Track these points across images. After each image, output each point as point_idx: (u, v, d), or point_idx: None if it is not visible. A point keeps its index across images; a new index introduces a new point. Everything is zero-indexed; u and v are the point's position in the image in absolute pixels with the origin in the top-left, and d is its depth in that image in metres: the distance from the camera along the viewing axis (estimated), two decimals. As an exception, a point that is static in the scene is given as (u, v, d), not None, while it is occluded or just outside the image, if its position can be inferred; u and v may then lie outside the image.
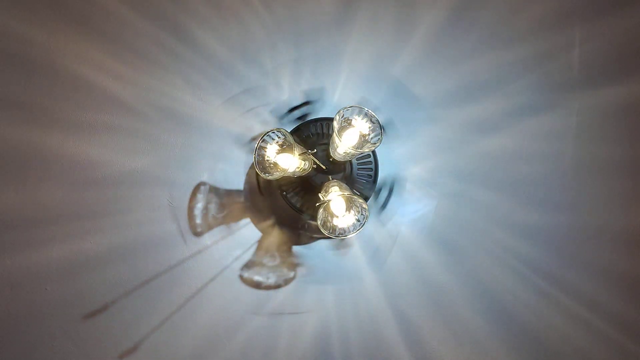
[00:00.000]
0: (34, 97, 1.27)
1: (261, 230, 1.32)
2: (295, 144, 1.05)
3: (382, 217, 1.32)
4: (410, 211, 1.32)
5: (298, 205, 1.26)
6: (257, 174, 1.27)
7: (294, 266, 1.31)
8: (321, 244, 1.32)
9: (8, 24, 1.26)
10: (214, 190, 1.31)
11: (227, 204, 1.31)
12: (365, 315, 1.30)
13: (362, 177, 1.27)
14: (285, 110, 1.32)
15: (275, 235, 1.32)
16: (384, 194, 1.32)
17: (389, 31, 1.33)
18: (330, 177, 1.23)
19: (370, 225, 1.32)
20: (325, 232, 1.04)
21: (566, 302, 1.31)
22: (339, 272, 1.31)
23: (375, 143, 1.04)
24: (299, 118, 1.32)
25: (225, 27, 1.31)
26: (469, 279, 1.31)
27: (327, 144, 1.25)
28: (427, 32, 1.33)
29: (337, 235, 1.05)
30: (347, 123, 1.06)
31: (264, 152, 1.05)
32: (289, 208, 1.27)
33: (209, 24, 1.30)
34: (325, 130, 1.28)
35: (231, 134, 1.31)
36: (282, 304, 1.30)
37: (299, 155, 1.07)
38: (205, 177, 1.31)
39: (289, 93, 1.32)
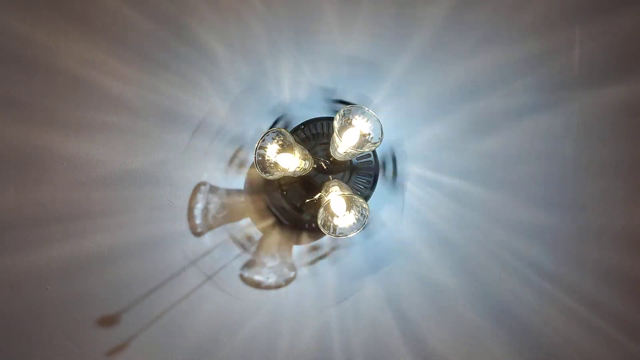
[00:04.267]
0: (34, 97, 1.26)
1: (261, 230, 1.32)
2: (296, 144, 1.05)
3: (383, 216, 1.32)
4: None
5: (298, 205, 1.26)
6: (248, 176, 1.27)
7: (293, 266, 1.31)
8: (321, 243, 1.32)
9: (8, 24, 1.26)
10: (214, 190, 1.31)
11: (227, 204, 1.31)
12: (365, 314, 1.30)
13: (362, 177, 1.27)
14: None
15: (275, 235, 1.32)
16: (383, 196, 1.32)
17: (389, 31, 1.33)
18: (330, 176, 1.24)
19: (371, 225, 1.32)
20: (326, 232, 1.04)
21: (567, 302, 1.31)
22: (339, 271, 1.31)
23: (375, 143, 1.05)
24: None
25: (226, 26, 1.31)
26: (469, 279, 1.31)
27: (327, 144, 1.26)
28: (427, 31, 1.33)
29: (338, 235, 1.05)
30: (347, 123, 1.06)
31: (264, 152, 1.05)
32: (289, 208, 1.27)
33: (209, 23, 1.30)
34: (325, 130, 1.28)
35: (231, 133, 1.31)
36: (282, 304, 1.30)
37: (307, 157, 1.08)
38: (205, 177, 1.31)
39: (289, 92, 1.32)
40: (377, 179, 1.27)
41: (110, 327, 1.26)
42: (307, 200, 1.18)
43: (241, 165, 1.31)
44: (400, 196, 1.32)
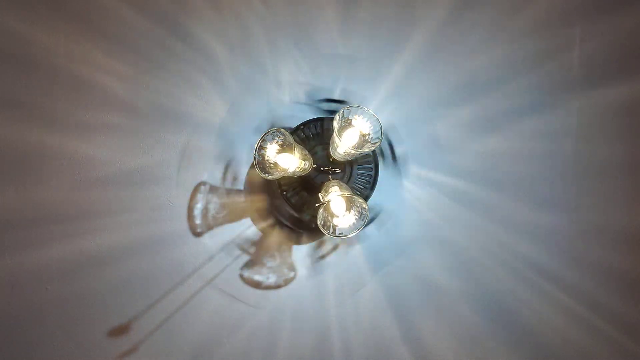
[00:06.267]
0: (34, 97, 1.27)
1: (261, 230, 1.32)
2: (295, 144, 1.05)
3: (383, 216, 1.32)
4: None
5: (298, 205, 1.26)
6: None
7: (293, 266, 1.31)
8: (321, 244, 1.32)
9: (8, 24, 1.26)
10: (214, 190, 1.31)
11: (227, 204, 1.31)
12: (365, 314, 1.30)
13: (362, 177, 1.27)
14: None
15: (275, 235, 1.32)
16: (383, 195, 1.32)
17: (389, 31, 1.33)
18: (330, 177, 1.24)
19: (371, 225, 1.32)
20: (326, 232, 1.04)
21: (566, 302, 1.31)
22: (339, 271, 1.31)
23: (375, 143, 1.05)
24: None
25: (225, 25, 1.31)
26: (469, 279, 1.31)
27: (327, 144, 1.26)
28: (427, 31, 1.33)
29: (337, 235, 1.05)
30: (347, 123, 1.06)
31: (264, 152, 1.05)
32: (289, 208, 1.27)
33: (209, 23, 1.31)
34: (325, 130, 1.28)
35: (231, 133, 1.31)
36: (282, 304, 1.30)
37: (307, 157, 1.07)
38: (205, 177, 1.31)
39: (289, 92, 1.33)
40: (377, 179, 1.27)
41: (111, 327, 1.26)
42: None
43: (241, 164, 1.31)
44: (400, 196, 1.32)
